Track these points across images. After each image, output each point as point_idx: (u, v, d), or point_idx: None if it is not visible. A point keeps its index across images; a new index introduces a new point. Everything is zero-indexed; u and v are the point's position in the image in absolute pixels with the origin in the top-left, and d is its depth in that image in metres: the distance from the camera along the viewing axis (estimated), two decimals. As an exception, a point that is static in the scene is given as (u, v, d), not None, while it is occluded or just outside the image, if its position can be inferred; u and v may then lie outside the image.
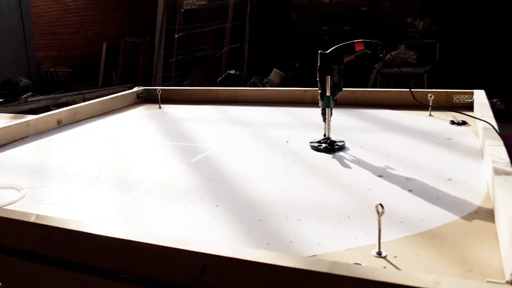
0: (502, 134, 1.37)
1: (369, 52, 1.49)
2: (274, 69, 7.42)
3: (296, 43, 7.83)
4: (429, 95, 1.91)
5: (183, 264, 0.78)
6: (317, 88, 1.53)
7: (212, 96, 2.59)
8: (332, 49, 1.49)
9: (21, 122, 1.96)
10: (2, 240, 0.97)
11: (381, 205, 0.83)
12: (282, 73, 7.39)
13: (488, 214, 1.00)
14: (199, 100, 2.59)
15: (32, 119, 2.01)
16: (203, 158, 1.55)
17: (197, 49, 8.65)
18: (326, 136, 1.57)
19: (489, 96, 1.93)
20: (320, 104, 1.54)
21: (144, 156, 1.64)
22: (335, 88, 1.51)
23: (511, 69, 6.26)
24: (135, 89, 2.70)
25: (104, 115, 2.36)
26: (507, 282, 0.70)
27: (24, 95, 7.74)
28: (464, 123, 1.76)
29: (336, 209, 1.09)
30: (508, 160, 1.14)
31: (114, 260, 0.84)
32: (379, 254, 0.86)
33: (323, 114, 1.55)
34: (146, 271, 0.81)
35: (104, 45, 10.59)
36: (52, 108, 6.74)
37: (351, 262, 0.80)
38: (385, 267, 0.82)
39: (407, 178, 1.25)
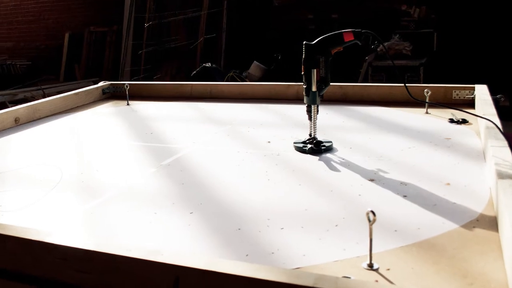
0: (506, 134, 1.38)
1: (359, 43, 1.49)
2: (254, 61, 7.42)
3: (278, 33, 7.82)
4: (425, 90, 1.93)
5: (154, 277, 0.77)
6: (302, 83, 1.53)
7: (186, 91, 2.58)
8: (319, 40, 1.49)
9: (-28, 120, 1.94)
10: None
11: (372, 212, 0.84)
12: (263, 66, 7.40)
13: (491, 222, 1.01)
14: (171, 96, 2.58)
15: (-15, 117, 1.99)
16: (175, 160, 1.54)
17: (169, 40, 8.61)
18: (312, 136, 1.58)
19: (492, 92, 1.94)
20: (305, 101, 1.54)
21: (110, 158, 1.63)
22: (322, 83, 1.51)
23: (516, 63, 6.32)
24: (101, 83, 2.69)
25: (67, 112, 2.34)
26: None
27: (-23, 91, 7.66)
28: (464, 121, 1.78)
29: (323, 216, 1.09)
30: (512, 162, 1.15)
31: (77, 273, 0.83)
32: (370, 266, 0.86)
33: (309, 111, 1.55)
34: (113, 285, 0.81)
35: (66, 35, 10.50)
36: (9, 105, 6.68)
37: (340, 275, 0.80)
38: (377, 281, 0.82)
39: (402, 183, 1.25)
